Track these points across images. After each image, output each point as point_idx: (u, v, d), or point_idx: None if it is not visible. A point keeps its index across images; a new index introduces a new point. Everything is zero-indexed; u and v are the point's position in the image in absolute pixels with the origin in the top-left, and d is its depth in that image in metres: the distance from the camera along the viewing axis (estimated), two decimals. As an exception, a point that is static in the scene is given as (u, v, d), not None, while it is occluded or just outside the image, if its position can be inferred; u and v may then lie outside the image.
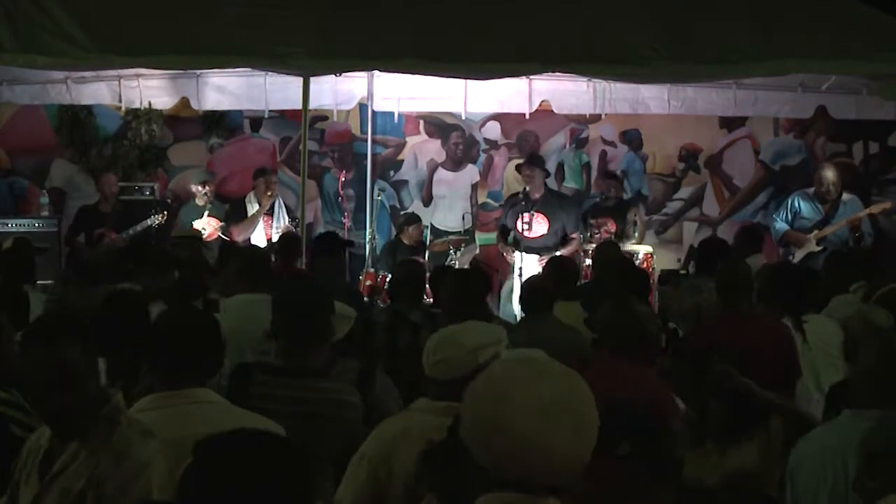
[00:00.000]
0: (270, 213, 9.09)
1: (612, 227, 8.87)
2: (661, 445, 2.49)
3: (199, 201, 9.24)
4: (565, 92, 9.38)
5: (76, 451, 2.66)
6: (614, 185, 9.37)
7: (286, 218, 9.09)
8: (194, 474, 1.80)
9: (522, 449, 1.92)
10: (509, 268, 8.59)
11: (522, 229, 8.51)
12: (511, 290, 8.39)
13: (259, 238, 8.93)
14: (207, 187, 9.32)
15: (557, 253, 8.10)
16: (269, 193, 9.02)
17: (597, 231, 8.78)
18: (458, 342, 3.10)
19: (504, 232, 8.89)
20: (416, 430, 2.93)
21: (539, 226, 8.56)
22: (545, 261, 7.80)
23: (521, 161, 9.36)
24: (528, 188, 8.60)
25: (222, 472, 1.78)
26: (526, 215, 8.51)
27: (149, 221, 8.86)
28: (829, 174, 8.58)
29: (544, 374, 2.01)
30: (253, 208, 9.03)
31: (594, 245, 8.11)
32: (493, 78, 8.11)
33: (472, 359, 3.03)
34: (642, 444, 2.45)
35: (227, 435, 1.86)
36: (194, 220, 9.06)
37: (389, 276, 8.19)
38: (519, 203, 8.55)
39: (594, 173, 10.90)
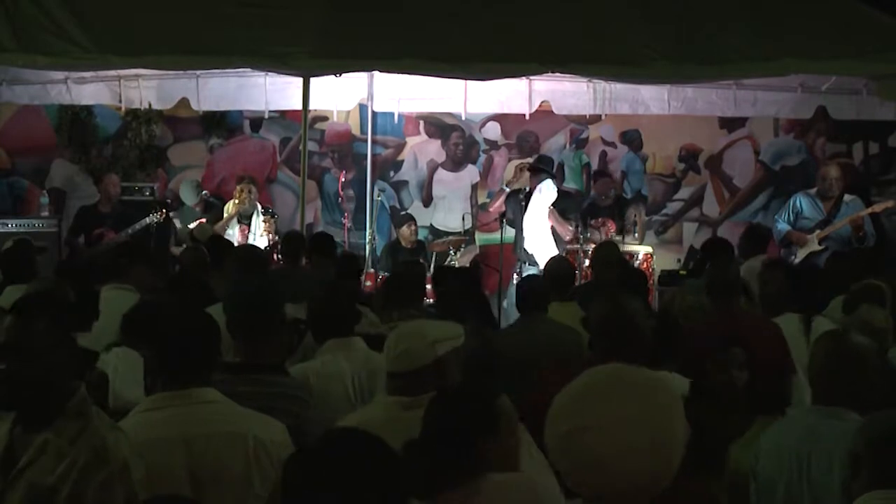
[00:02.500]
0: (249, 222, 8.86)
1: (611, 227, 8.87)
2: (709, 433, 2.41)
3: (197, 207, 9.27)
4: (565, 92, 9.37)
5: (43, 445, 2.63)
6: (612, 184, 9.38)
7: (263, 235, 8.76)
8: (296, 474, 1.82)
9: (592, 468, 1.84)
10: (514, 266, 8.59)
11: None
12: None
13: None
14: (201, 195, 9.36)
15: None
16: (237, 201, 8.78)
17: (597, 231, 8.78)
18: (419, 334, 3.16)
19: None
20: (374, 424, 2.96)
21: None
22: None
23: (521, 160, 9.36)
24: (528, 188, 8.59)
25: (322, 473, 1.79)
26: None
27: (147, 220, 8.84)
28: (833, 171, 8.61)
29: (623, 388, 1.91)
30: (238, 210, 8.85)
31: (593, 245, 8.11)
32: (493, 78, 8.10)
33: (432, 351, 3.07)
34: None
35: (331, 436, 1.88)
36: (190, 222, 9.03)
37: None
38: (519, 202, 8.54)
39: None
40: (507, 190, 8.83)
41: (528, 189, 8.54)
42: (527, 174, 8.64)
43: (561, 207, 8.59)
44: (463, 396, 2.67)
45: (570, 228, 8.59)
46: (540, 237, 8.43)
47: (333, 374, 3.86)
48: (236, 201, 8.84)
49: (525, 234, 8.33)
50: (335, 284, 5.08)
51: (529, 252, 8.42)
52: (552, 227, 8.54)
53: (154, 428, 2.86)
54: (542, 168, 8.74)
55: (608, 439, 1.83)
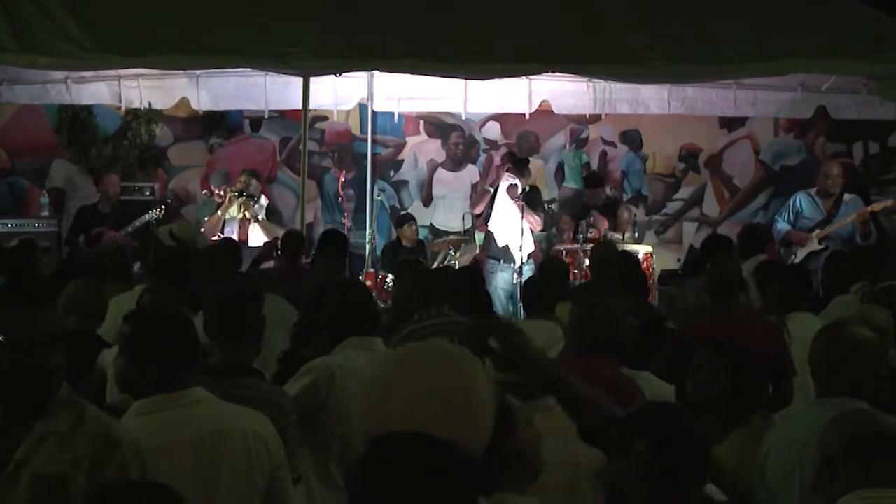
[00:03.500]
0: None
1: (604, 223, 8.89)
2: (682, 444, 2.40)
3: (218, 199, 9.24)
4: (565, 92, 9.38)
5: (40, 436, 2.64)
6: (601, 193, 9.40)
7: (258, 223, 8.68)
8: (365, 474, 1.82)
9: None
10: (485, 265, 8.68)
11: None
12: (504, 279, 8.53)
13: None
14: (223, 188, 9.32)
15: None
16: (232, 191, 8.75)
17: (590, 230, 8.79)
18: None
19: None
20: None
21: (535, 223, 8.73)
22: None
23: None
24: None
25: (391, 473, 1.79)
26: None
27: (147, 217, 8.83)
28: (835, 168, 8.62)
29: (410, 372, 2.03)
30: (232, 207, 8.78)
31: (591, 245, 8.13)
32: (493, 78, 8.11)
33: None
34: (661, 443, 2.37)
35: (394, 437, 1.89)
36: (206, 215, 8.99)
37: (390, 276, 8.22)
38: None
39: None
40: (491, 191, 8.88)
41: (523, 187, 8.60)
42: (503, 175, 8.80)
43: (531, 201, 8.68)
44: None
45: (538, 219, 8.75)
46: (510, 231, 8.51)
47: (354, 371, 3.79)
48: (231, 190, 8.83)
49: (496, 229, 8.44)
50: (352, 281, 4.99)
51: (502, 247, 8.50)
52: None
53: (156, 433, 2.85)
54: (513, 163, 8.89)
55: (407, 424, 1.93)
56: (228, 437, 2.94)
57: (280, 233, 8.34)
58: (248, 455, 2.94)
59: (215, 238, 8.31)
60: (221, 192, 9.20)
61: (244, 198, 8.68)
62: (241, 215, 8.70)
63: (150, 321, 3.07)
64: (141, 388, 2.96)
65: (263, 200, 9.00)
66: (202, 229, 8.40)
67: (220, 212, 8.67)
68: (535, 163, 10.35)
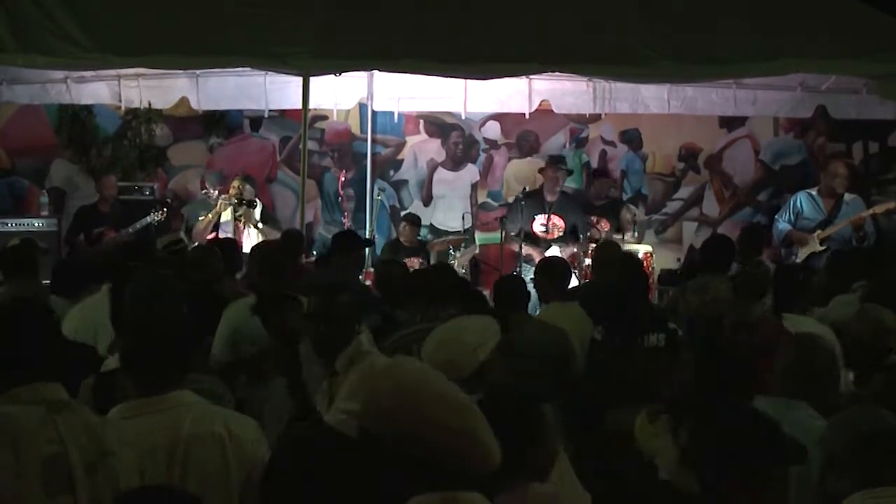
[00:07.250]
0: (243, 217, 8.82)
1: (605, 225, 8.88)
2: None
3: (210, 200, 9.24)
4: (565, 92, 9.38)
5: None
6: (611, 184, 9.43)
7: (257, 230, 8.71)
8: (277, 474, 1.82)
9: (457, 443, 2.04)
10: (514, 265, 8.56)
11: (541, 231, 8.52)
12: None
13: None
14: (217, 189, 9.35)
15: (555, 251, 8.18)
16: (225, 196, 8.78)
17: (594, 228, 8.79)
18: (459, 341, 3.13)
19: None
20: None
21: (556, 228, 8.58)
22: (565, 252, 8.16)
23: (519, 159, 9.38)
24: (556, 187, 8.60)
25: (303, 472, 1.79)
26: (543, 217, 8.51)
27: (148, 219, 8.83)
28: (842, 168, 8.61)
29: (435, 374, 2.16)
30: (225, 211, 8.82)
31: (593, 244, 8.13)
32: (493, 78, 8.12)
33: (475, 359, 3.05)
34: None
35: (306, 436, 1.89)
36: (200, 215, 8.98)
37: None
38: (541, 203, 8.53)
39: (594, 173, 10.90)
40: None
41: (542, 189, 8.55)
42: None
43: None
44: (511, 403, 2.66)
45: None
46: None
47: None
48: (224, 196, 8.85)
49: None
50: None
51: None
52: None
53: (133, 439, 2.83)
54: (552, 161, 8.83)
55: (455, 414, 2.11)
56: (207, 440, 2.93)
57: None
58: (224, 458, 2.94)
59: (210, 237, 8.35)
60: (214, 194, 9.23)
61: (244, 207, 8.70)
62: (236, 220, 8.70)
63: (139, 322, 3.07)
64: (133, 387, 2.96)
65: (259, 206, 9.02)
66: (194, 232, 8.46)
67: (210, 215, 8.68)
68: (534, 162, 10.36)
